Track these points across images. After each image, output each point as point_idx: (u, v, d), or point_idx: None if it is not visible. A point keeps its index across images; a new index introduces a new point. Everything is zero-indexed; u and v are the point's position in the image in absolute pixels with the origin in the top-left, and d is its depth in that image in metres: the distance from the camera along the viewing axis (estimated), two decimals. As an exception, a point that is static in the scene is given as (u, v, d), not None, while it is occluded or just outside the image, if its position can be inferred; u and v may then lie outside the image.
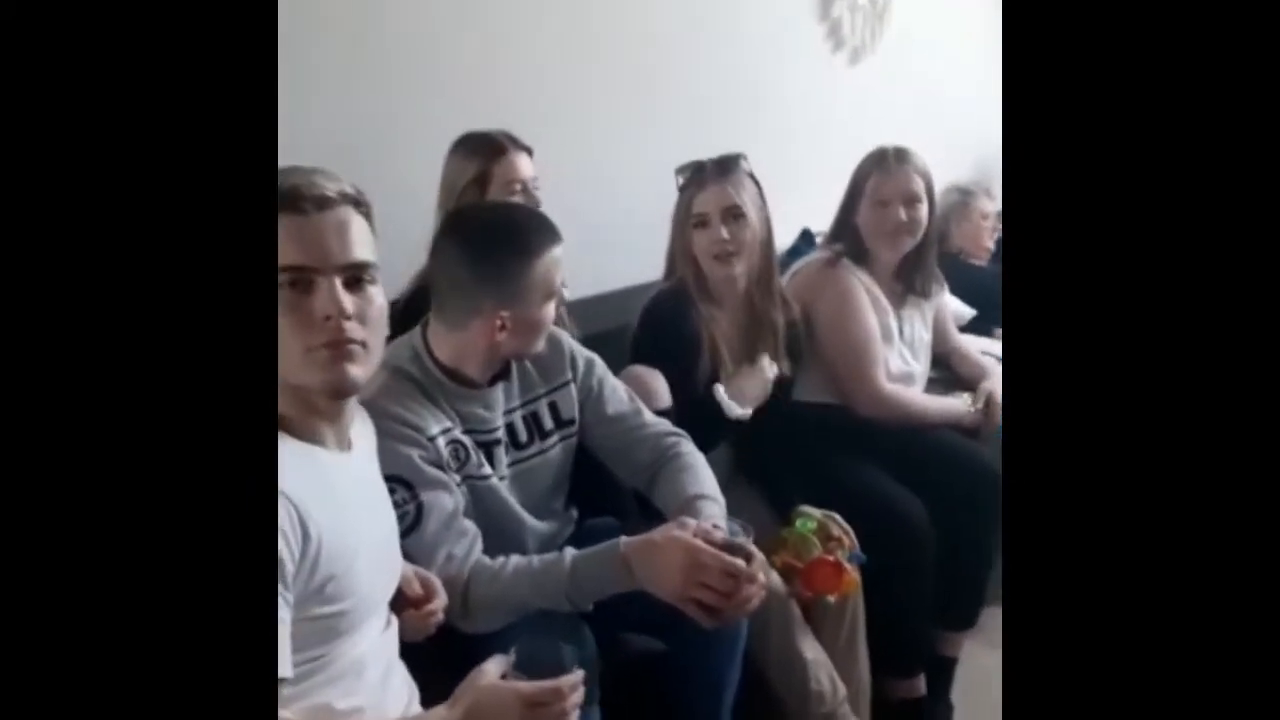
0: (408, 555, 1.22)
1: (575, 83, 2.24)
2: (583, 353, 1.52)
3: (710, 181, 1.74)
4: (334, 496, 0.97)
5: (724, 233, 1.72)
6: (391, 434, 1.25)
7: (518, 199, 1.74)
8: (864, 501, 1.78)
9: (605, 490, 1.59)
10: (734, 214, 1.73)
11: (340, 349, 0.96)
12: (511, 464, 1.42)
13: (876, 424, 1.94)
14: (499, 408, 1.41)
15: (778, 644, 1.58)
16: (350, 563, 0.97)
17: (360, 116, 1.92)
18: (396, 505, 1.22)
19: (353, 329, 0.96)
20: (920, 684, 1.87)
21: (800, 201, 2.37)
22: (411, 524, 1.24)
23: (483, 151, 1.76)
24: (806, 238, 2.59)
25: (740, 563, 1.23)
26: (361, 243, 0.97)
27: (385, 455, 1.22)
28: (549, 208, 1.72)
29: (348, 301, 0.95)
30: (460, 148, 1.78)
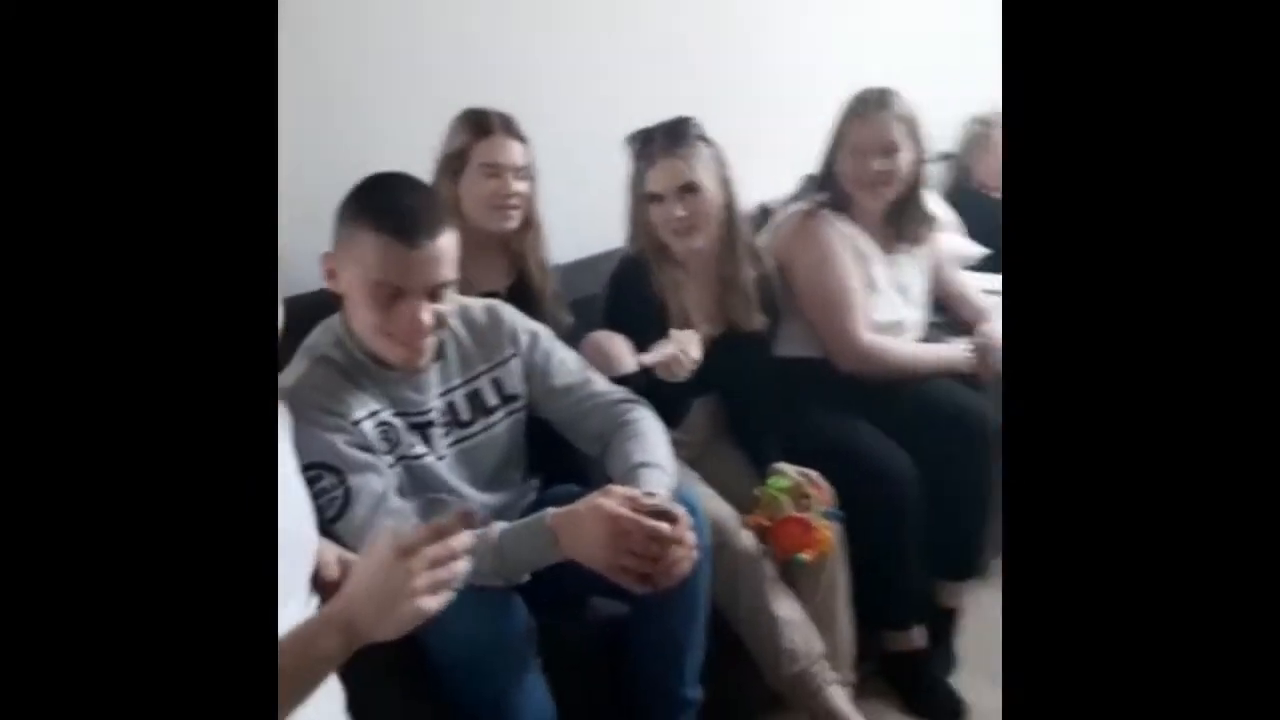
0: (340, 539, 1.26)
1: (557, 37, 2.22)
2: (526, 326, 1.52)
3: (660, 156, 1.70)
4: None
5: (679, 210, 1.69)
6: (314, 421, 1.28)
7: (494, 185, 1.72)
8: (846, 457, 1.75)
9: (574, 455, 1.61)
10: (689, 189, 1.69)
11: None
12: (455, 442, 1.44)
13: (860, 377, 1.90)
14: (431, 389, 1.42)
15: (748, 604, 1.59)
16: None
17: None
18: (325, 490, 1.26)
19: None
20: (916, 636, 1.85)
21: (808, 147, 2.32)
22: (341, 508, 1.27)
23: (470, 128, 1.74)
24: (810, 183, 2.52)
25: (664, 526, 1.23)
26: None
27: (310, 442, 1.25)
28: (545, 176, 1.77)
29: None
30: (457, 121, 1.77)
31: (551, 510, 1.28)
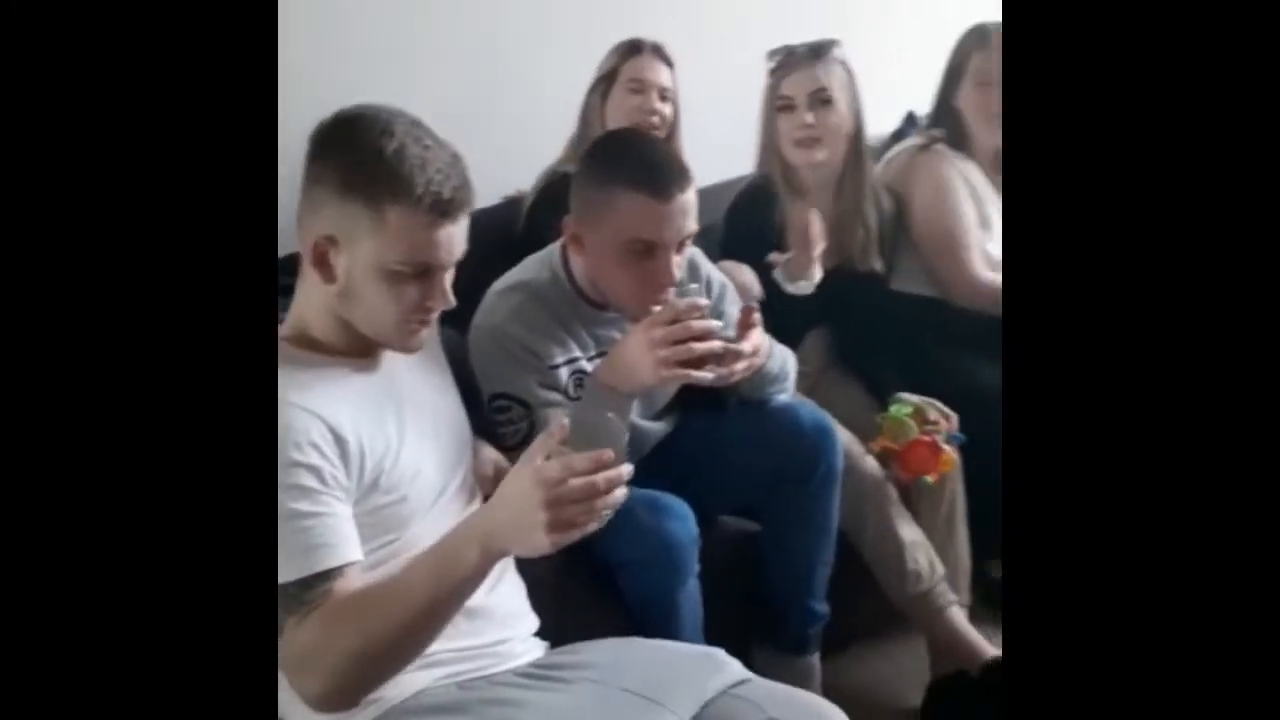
0: None
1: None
2: (718, 276, 1.55)
3: (798, 66, 1.74)
4: (361, 403, 1.06)
5: (809, 117, 1.73)
6: (515, 357, 1.34)
7: (637, 100, 1.82)
8: (963, 387, 1.78)
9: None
10: (821, 99, 1.73)
11: (426, 325, 1.10)
12: None
13: (974, 313, 1.92)
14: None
15: (874, 525, 1.64)
16: (395, 457, 1.07)
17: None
18: (510, 421, 1.33)
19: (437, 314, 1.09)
20: (1024, 565, 1.89)
21: (905, 84, 2.31)
22: (524, 439, 1.32)
23: (622, 50, 1.86)
24: (911, 121, 2.51)
25: (679, 303, 1.23)
26: (463, 245, 1.08)
27: (506, 375, 1.33)
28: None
29: (450, 295, 1.08)
30: (612, 48, 1.89)
31: (592, 368, 1.35)
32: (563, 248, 1.41)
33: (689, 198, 1.30)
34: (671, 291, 1.31)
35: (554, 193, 1.74)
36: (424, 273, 1.04)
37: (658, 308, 1.25)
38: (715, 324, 1.23)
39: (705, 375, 1.23)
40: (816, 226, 1.67)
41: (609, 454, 0.91)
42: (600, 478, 0.90)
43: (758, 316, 1.32)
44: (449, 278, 1.08)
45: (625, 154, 1.33)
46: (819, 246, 1.67)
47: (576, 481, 0.89)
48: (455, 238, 1.05)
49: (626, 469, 0.91)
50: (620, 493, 0.91)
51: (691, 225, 1.31)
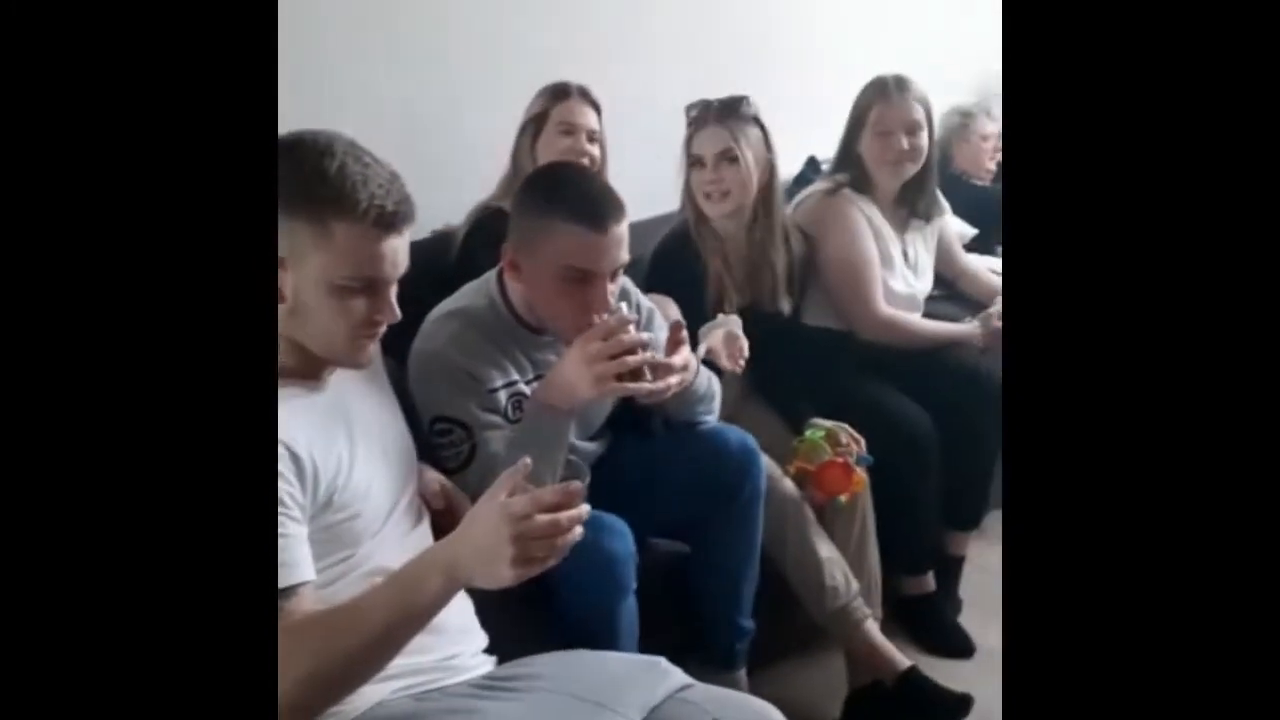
0: (463, 486, 1.35)
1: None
2: (645, 302, 1.62)
3: (710, 123, 1.85)
4: (313, 422, 1.09)
5: (715, 174, 1.84)
6: (454, 380, 1.38)
7: (568, 142, 1.90)
8: (871, 413, 1.90)
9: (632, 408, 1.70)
10: (728, 157, 1.84)
11: (374, 339, 1.13)
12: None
13: (879, 346, 2.06)
14: None
15: (794, 544, 1.72)
16: (347, 475, 1.10)
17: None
18: (452, 444, 1.36)
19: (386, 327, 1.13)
20: (929, 580, 2.02)
21: (803, 129, 2.46)
22: (464, 462, 1.36)
23: (549, 93, 1.94)
24: (813, 165, 2.66)
25: (610, 320, 1.29)
26: (406, 259, 1.12)
27: (445, 398, 1.37)
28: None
29: (396, 308, 1.11)
30: (540, 91, 1.96)
31: (531, 390, 1.41)
32: (499, 275, 1.47)
33: (622, 229, 1.37)
34: None
35: (487, 225, 1.82)
36: (370, 287, 1.08)
37: (586, 326, 1.31)
38: (647, 336, 1.31)
39: (641, 386, 1.30)
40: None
41: (578, 485, 0.97)
42: (563, 516, 0.95)
43: (685, 334, 1.40)
44: (393, 292, 1.11)
45: (564, 186, 1.39)
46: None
47: (543, 518, 0.94)
48: (400, 251, 1.09)
49: (585, 509, 0.96)
50: (579, 530, 0.96)
51: (624, 255, 1.39)
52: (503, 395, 1.42)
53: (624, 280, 1.56)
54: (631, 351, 1.28)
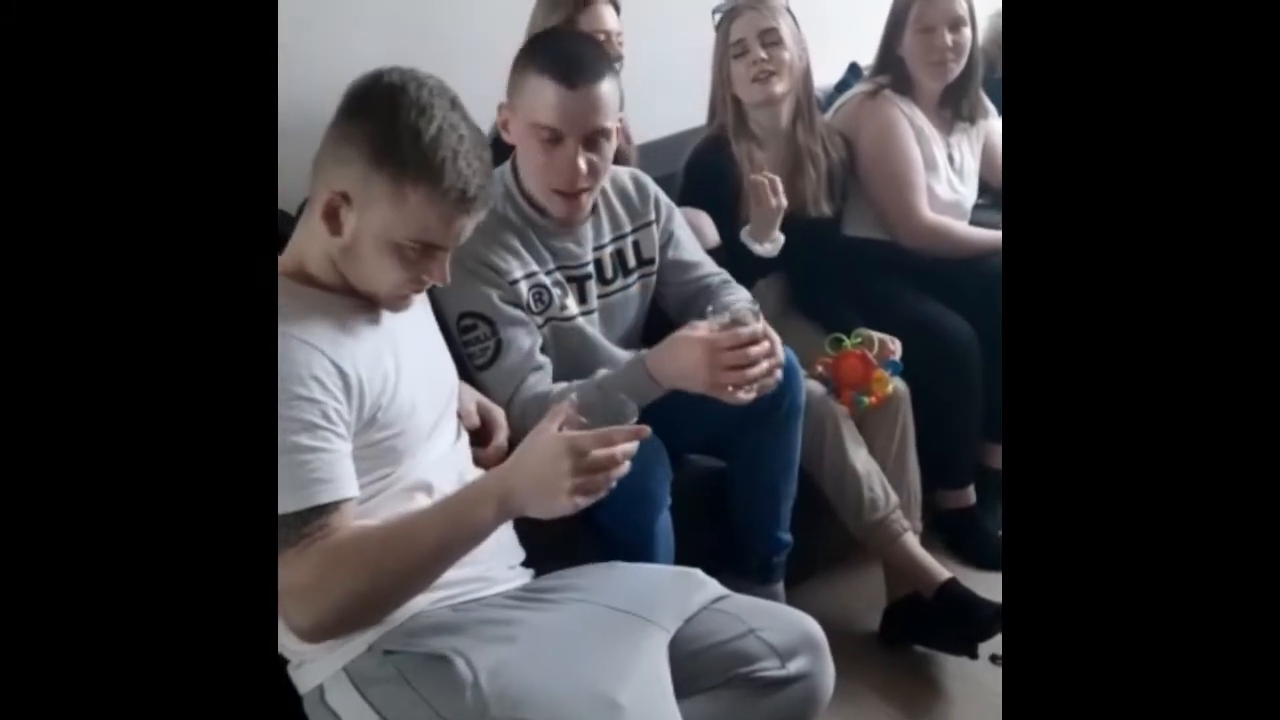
0: (485, 387, 1.35)
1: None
2: (664, 198, 1.59)
3: (745, 9, 1.80)
4: (360, 340, 1.08)
5: (762, 54, 1.78)
6: (475, 274, 1.36)
7: None
8: (911, 323, 1.86)
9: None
10: (771, 38, 1.79)
11: (419, 294, 1.14)
12: (600, 297, 1.51)
13: (922, 254, 1.99)
14: (589, 243, 1.49)
15: (831, 458, 1.70)
16: (392, 394, 1.09)
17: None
18: (478, 340, 1.35)
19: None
20: (970, 494, 1.99)
21: (846, 37, 2.36)
22: (491, 358, 1.36)
23: (569, 1, 1.83)
24: (854, 71, 2.57)
25: (744, 330, 1.29)
26: (470, 232, 1.10)
27: (468, 293, 1.35)
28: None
29: (448, 273, 1.11)
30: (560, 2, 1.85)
31: (645, 351, 1.37)
32: (513, 165, 1.45)
33: (599, 92, 1.33)
34: (708, 311, 1.36)
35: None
36: (427, 251, 1.07)
37: (563, 195, 1.36)
38: (767, 347, 1.30)
39: (745, 398, 1.31)
40: (773, 189, 1.71)
41: (646, 430, 1.03)
42: (618, 450, 0.99)
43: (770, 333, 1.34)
44: (449, 258, 1.10)
45: (548, 44, 1.38)
46: (778, 209, 1.72)
47: (601, 452, 0.99)
48: (468, 228, 1.08)
49: (635, 444, 1.01)
50: (627, 464, 1.01)
51: (601, 121, 1.35)
52: (524, 286, 1.41)
53: (640, 174, 1.57)
54: (754, 364, 1.28)
